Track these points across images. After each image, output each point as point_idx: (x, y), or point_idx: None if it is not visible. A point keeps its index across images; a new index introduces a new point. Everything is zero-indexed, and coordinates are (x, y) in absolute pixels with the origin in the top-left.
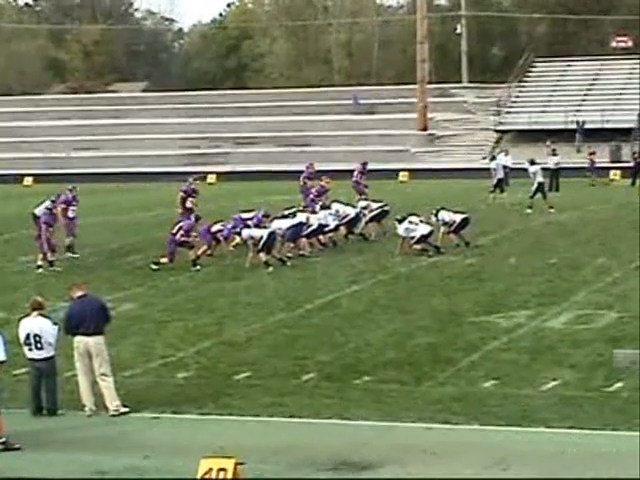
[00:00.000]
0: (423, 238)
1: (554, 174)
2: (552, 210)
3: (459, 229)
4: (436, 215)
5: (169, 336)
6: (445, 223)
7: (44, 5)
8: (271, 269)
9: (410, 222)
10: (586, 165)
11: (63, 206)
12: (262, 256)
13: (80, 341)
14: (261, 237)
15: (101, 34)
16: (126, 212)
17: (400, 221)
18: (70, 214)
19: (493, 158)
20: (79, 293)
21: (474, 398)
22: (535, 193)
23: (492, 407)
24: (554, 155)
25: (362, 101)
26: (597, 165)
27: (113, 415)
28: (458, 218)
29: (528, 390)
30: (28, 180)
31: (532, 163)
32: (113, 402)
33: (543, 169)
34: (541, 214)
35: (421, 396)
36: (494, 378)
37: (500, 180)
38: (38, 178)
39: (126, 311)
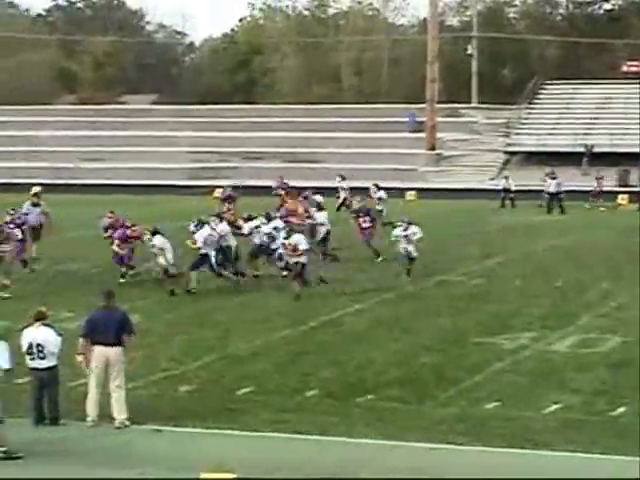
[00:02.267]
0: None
1: (553, 198)
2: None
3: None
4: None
5: (172, 349)
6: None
7: (56, 16)
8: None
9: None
10: (592, 189)
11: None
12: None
13: (100, 351)
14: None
15: (112, 46)
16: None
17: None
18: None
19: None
20: (104, 302)
21: (477, 419)
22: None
23: (495, 428)
24: (553, 179)
25: (415, 119)
26: (605, 189)
27: (118, 427)
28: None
29: (531, 412)
30: (36, 189)
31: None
32: (121, 415)
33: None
34: (545, 237)
35: (424, 416)
36: (497, 399)
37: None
38: (46, 188)
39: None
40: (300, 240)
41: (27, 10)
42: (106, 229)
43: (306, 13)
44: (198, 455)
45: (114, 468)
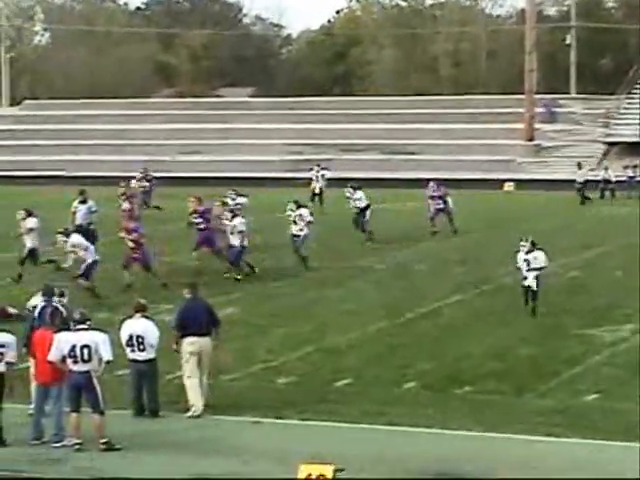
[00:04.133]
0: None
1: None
2: None
3: None
4: None
5: (270, 341)
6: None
7: (154, 10)
8: None
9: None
10: None
11: None
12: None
13: (192, 342)
14: None
15: (209, 39)
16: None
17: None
18: None
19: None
20: (189, 295)
21: (575, 411)
22: None
23: (594, 421)
24: (580, 169)
25: (552, 109)
26: None
27: (191, 416)
28: None
29: (630, 404)
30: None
31: None
32: (199, 402)
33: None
34: None
35: (522, 408)
36: (596, 392)
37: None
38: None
39: (228, 315)
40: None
41: (125, 4)
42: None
43: (403, 4)
44: (297, 446)
45: (214, 459)
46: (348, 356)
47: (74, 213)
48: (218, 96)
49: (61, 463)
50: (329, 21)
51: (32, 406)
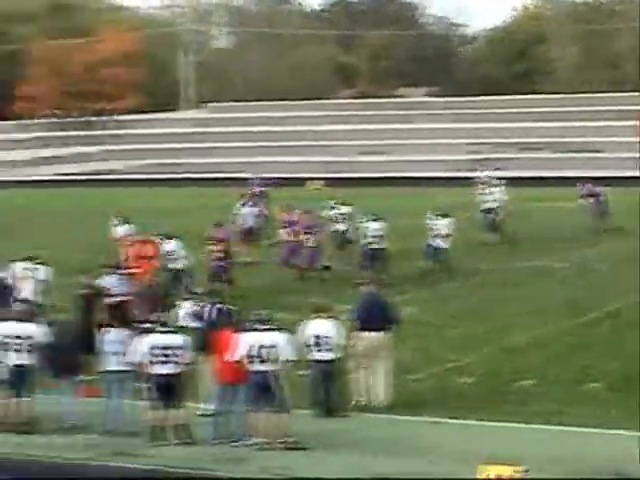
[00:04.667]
0: None
1: None
2: None
3: None
4: None
5: (449, 341)
6: None
7: (332, 11)
8: None
9: None
10: None
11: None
12: None
13: (368, 337)
14: None
15: (388, 39)
16: (409, 216)
17: None
18: None
19: None
20: (367, 290)
21: None
22: None
23: None
24: None
25: None
26: None
27: (377, 407)
28: None
29: None
30: (316, 184)
31: None
32: (379, 397)
33: None
34: None
35: None
36: None
37: None
38: (326, 182)
39: (407, 315)
40: None
41: (299, 4)
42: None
43: (579, 0)
44: (476, 446)
45: (398, 459)
46: (528, 356)
47: (235, 215)
48: (397, 96)
49: (245, 462)
50: (508, 19)
51: (202, 406)
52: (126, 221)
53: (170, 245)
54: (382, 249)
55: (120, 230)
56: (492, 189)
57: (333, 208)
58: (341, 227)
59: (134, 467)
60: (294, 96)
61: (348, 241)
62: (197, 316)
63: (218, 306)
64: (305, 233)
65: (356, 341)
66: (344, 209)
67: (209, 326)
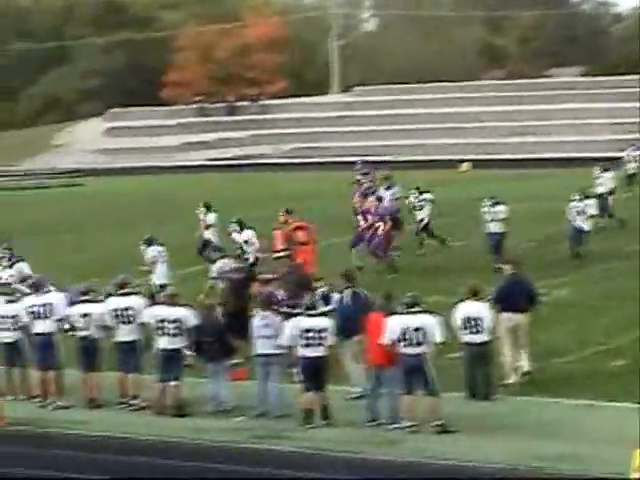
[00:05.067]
0: None
1: None
2: None
3: None
4: None
5: (604, 323)
6: None
7: None
8: None
9: None
10: None
11: None
12: None
13: (509, 317)
14: None
15: (538, 19)
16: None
17: None
18: None
19: None
20: (510, 271)
21: None
22: None
23: None
24: None
25: None
26: None
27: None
28: None
29: None
30: (464, 166)
31: None
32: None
33: None
34: None
35: None
36: None
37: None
38: (475, 164)
39: (557, 298)
40: None
41: None
42: None
43: None
44: (632, 431)
45: (549, 443)
46: None
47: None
48: (547, 76)
49: (397, 445)
50: None
51: (352, 389)
52: (209, 209)
53: None
54: (502, 233)
55: (209, 218)
56: (604, 174)
57: (417, 194)
58: (421, 214)
59: (287, 450)
60: (442, 78)
61: (425, 227)
62: (325, 300)
63: (354, 289)
64: (378, 221)
65: (499, 322)
66: (426, 195)
67: (345, 310)
